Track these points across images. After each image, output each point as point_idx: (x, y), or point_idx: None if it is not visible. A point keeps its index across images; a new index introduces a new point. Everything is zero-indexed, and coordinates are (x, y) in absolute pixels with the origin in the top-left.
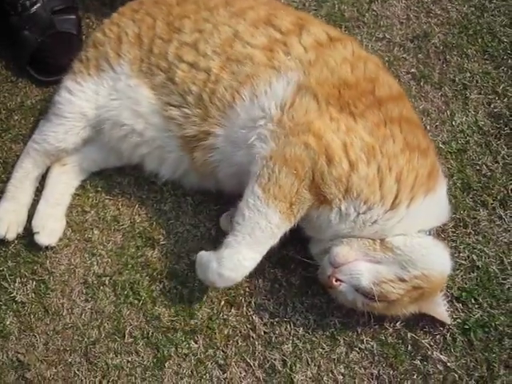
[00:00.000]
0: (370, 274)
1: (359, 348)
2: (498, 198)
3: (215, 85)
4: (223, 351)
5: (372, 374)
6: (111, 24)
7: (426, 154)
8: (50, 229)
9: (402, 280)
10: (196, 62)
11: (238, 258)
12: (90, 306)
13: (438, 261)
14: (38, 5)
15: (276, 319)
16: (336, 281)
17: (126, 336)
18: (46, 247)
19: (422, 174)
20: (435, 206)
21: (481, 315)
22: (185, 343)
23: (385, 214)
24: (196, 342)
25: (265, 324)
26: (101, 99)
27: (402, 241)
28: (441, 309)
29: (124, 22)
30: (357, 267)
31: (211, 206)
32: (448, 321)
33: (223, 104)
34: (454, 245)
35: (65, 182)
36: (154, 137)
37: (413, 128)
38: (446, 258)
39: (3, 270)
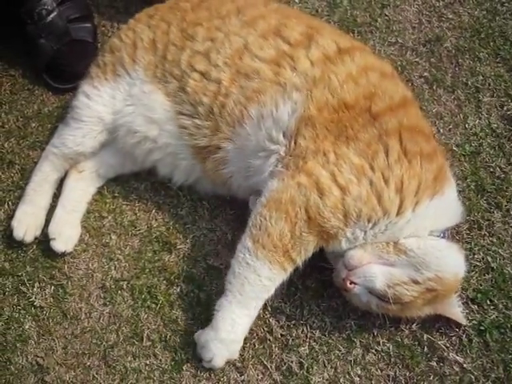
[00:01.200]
0: (383, 277)
1: (375, 350)
2: None
3: (225, 98)
4: (240, 354)
5: (388, 376)
6: (127, 30)
7: (430, 159)
8: (67, 235)
9: (416, 282)
10: (207, 71)
11: (232, 317)
12: (108, 310)
13: (451, 263)
14: (54, 13)
15: (292, 322)
16: (350, 283)
17: (144, 339)
18: (63, 253)
19: (427, 178)
20: (444, 208)
21: (496, 316)
22: None
23: (391, 222)
24: None
25: (281, 327)
26: (117, 104)
27: (416, 243)
28: (456, 310)
29: (139, 27)
30: (371, 270)
31: (227, 211)
32: (464, 321)
33: (232, 119)
34: (468, 247)
35: (82, 189)
36: (167, 143)
37: (415, 135)
38: (460, 260)
39: (22, 275)
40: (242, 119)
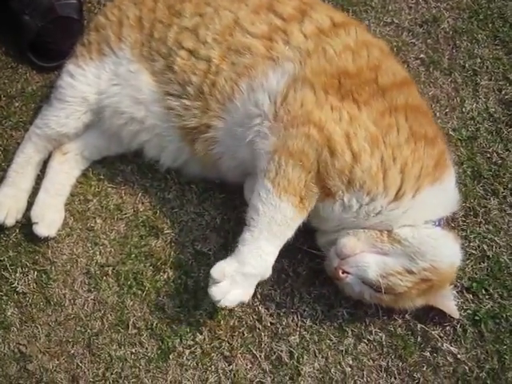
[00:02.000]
0: (377, 266)
1: (368, 339)
2: (509, 186)
3: (216, 76)
4: (229, 343)
5: (381, 366)
6: (113, 7)
7: (433, 144)
8: (50, 220)
9: (410, 272)
10: (196, 49)
11: (259, 252)
12: (92, 297)
13: (447, 252)
14: None
15: (283, 310)
16: (343, 273)
17: (130, 327)
18: (45, 238)
19: (428, 164)
20: (442, 196)
21: (491, 306)
22: (189, 334)
23: (388, 204)
24: (201, 334)
25: (271, 315)
26: (102, 84)
27: (410, 232)
28: (449, 302)
29: (125, 4)
30: (364, 259)
31: (216, 194)
32: (456, 315)
33: (223, 97)
34: (464, 234)
35: (66, 172)
36: (154, 125)
37: (419, 116)
38: (456, 250)
39: (4, 259)
40: (233, 95)
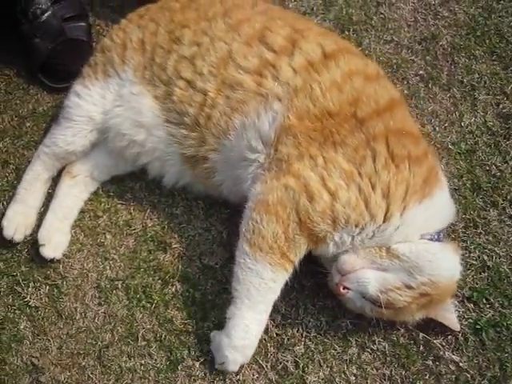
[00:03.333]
0: (376, 282)
1: (371, 349)
2: (508, 197)
3: (211, 109)
4: None
5: (384, 375)
6: (118, 30)
7: (419, 162)
8: (56, 242)
9: (409, 287)
10: (193, 80)
11: (244, 323)
12: (103, 310)
13: (445, 266)
14: (49, 13)
15: (288, 321)
16: (343, 288)
17: (139, 339)
18: (52, 259)
19: (415, 182)
20: (435, 210)
21: (492, 315)
22: (197, 346)
23: (379, 227)
24: (209, 345)
25: (277, 326)
26: (107, 104)
27: (408, 247)
28: (450, 315)
29: (130, 27)
30: (364, 275)
31: (222, 210)
32: (457, 328)
33: (218, 131)
34: (464, 245)
35: (75, 195)
36: (155, 148)
37: (402, 138)
38: (455, 263)
39: (17, 274)
40: (228, 130)
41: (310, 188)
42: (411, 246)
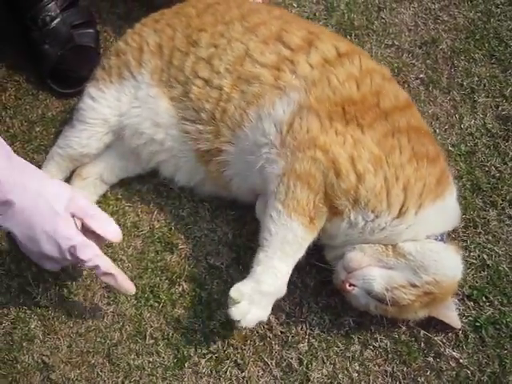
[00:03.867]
0: (382, 280)
1: (373, 346)
2: (507, 198)
3: (226, 103)
4: (241, 351)
5: (386, 371)
6: (133, 33)
7: (434, 162)
8: None
9: (414, 286)
10: (210, 79)
11: (274, 271)
12: (111, 309)
13: (449, 266)
14: (58, 20)
15: (292, 319)
16: (349, 285)
17: (147, 337)
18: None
19: (431, 181)
20: (444, 212)
21: (492, 313)
22: (204, 344)
23: (392, 221)
24: (215, 343)
25: (281, 324)
26: (123, 106)
27: (414, 246)
28: (451, 313)
29: (146, 31)
30: (370, 272)
31: (228, 211)
32: (458, 325)
33: (233, 123)
34: (464, 245)
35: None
36: (172, 147)
37: (421, 137)
38: (458, 263)
39: (27, 275)
40: (242, 122)
41: (338, 165)
42: (417, 245)
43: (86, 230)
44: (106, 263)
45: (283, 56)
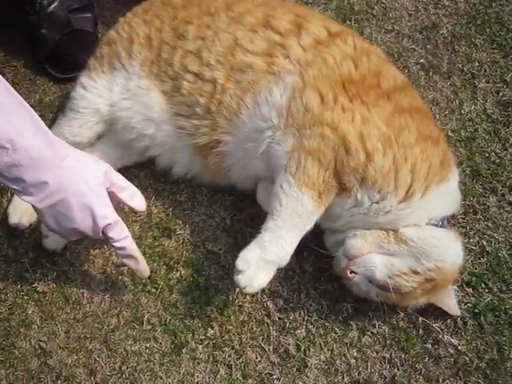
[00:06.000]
0: (384, 267)
1: (371, 332)
2: (507, 184)
3: (222, 95)
4: (239, 337)
5: (384, 358)
6: (124, 23)
7: (437, 143)
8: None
9: (416, 272)
10: (201, 72)
11: (280, 241)
12: (109, 295)
13: (450, 252)
14: (55, 4)
15: (290, 305)
16: (351, 272)
17: (145, 323)
18: (53, 251)
19: (435, 163)
20: (447, 196)
21: (491, 299)
22: (201, 329)
23: (398, 204)
24: (212, 328)
25: (279, 310)
26: (114, 96)
27: (416, 233)
28: (450, 300)
29: (135, 21)
30: (371, 259)
31: (226, 197)
32: (457, 313)
33: (230, 113)
34: (464, 231)
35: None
36: (165, 142)
37: (423, 117)
38: (458, 249)
39: (25, 261)
40: (239, 110)
41: (347, 142)
42: (419, 231)
43: (112, 197)
44: (133, 246)
45: (274, 41)
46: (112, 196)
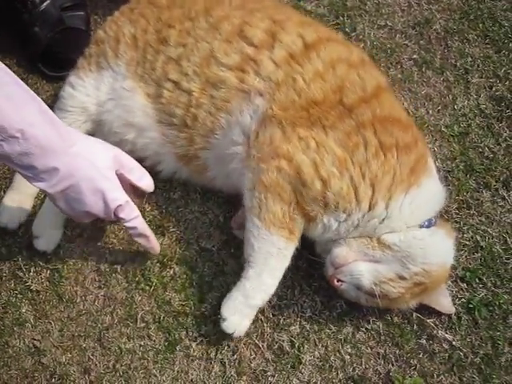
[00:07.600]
0: (369, 275)
1: (365, 328)
2: (501, 179)
3: (197, 109)
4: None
5: (378, 354)
6: (111, 22)
7: (408, 149)
8: (49, 236)
9: (403, 278)
10: (179, 81)
11: (262, 287)
12: (102, 293)
13: (438, 253)
14: (48, 2)
15: (284, 302)
16: (337, 281)
17: (138, 321)
18: (44, 252)
19: (402, 171)
20: (421, 201)
21: (485, 294)
22: (195, 327)
23: (363, 217)
24: (206, 326)
25: (273, 307)
26: (101, 95)
27: (397, 237)
28: (444, 299)
29: (122, 21)
30: (357, 268)
31: (219, 194)
32: (452, 310)
33: (205, 130)
34: (458, 226)
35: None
36: (147, 148)
37: (389, 126)
38: (448, 248)
39: (18, 259)
40: (214, 129)
41: (302, 174)
42: (400, 235)
43: (122, 180)
44: (143, 225)
45: (246, 55)
46: (122, 179)
